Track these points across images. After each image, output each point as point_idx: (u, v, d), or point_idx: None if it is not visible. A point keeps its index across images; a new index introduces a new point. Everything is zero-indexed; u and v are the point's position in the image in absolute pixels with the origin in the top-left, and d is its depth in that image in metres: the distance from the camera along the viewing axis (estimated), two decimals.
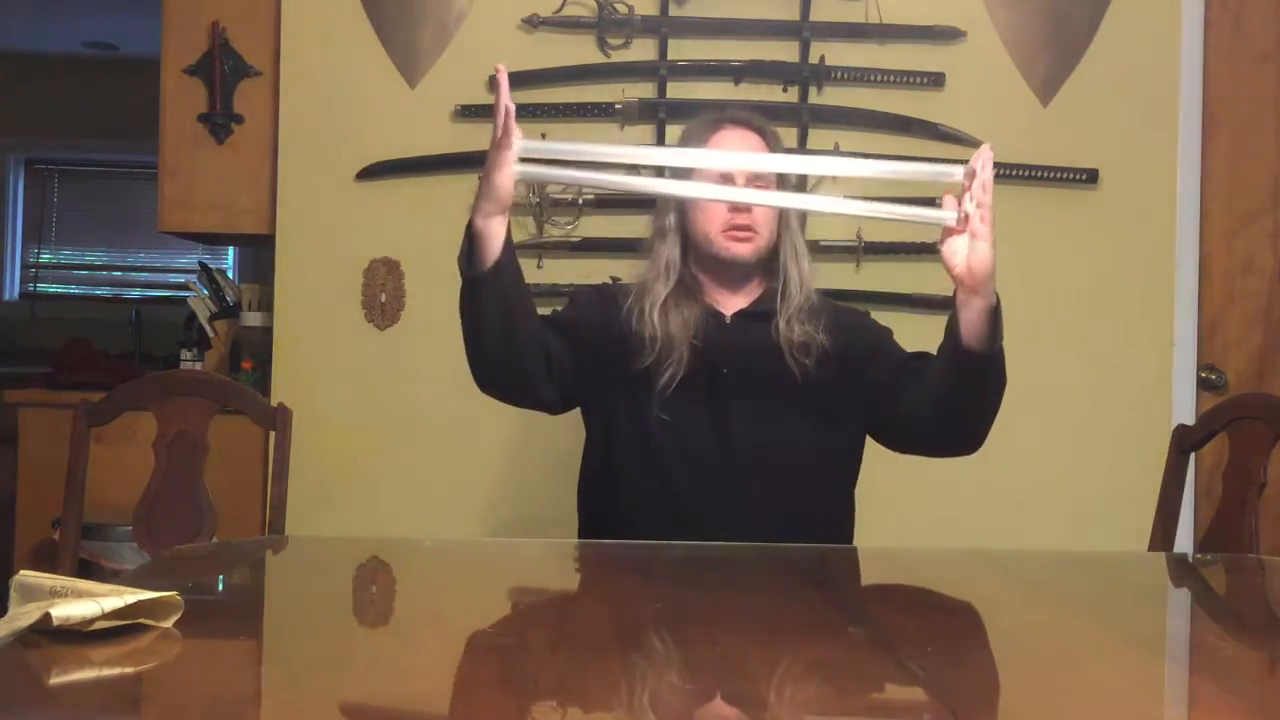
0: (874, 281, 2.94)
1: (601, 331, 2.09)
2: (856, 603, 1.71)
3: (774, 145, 2.14)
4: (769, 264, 2.12)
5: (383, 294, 2.97)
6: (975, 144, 2.96)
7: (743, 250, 2.07)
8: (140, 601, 1.21)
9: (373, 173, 2.97)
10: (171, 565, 1.80)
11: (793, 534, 1.97)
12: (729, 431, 2.05)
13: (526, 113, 2.96)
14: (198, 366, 3.34)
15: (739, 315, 2.11)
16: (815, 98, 2.98)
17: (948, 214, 1.83)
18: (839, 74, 2.96)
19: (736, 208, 2.06)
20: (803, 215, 2.25)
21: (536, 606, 1.61)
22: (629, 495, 2.08)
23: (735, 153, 2.07)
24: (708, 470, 2.05)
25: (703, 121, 2.18)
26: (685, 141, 2.20)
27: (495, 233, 1.91)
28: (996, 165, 2.93)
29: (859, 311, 2.27)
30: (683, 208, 2.12)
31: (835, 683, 1.26)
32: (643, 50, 2.99)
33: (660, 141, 2.95)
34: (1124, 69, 2.99)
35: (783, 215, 2.13)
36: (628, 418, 2.07)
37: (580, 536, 2.17)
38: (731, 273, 2.11)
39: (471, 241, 1.92)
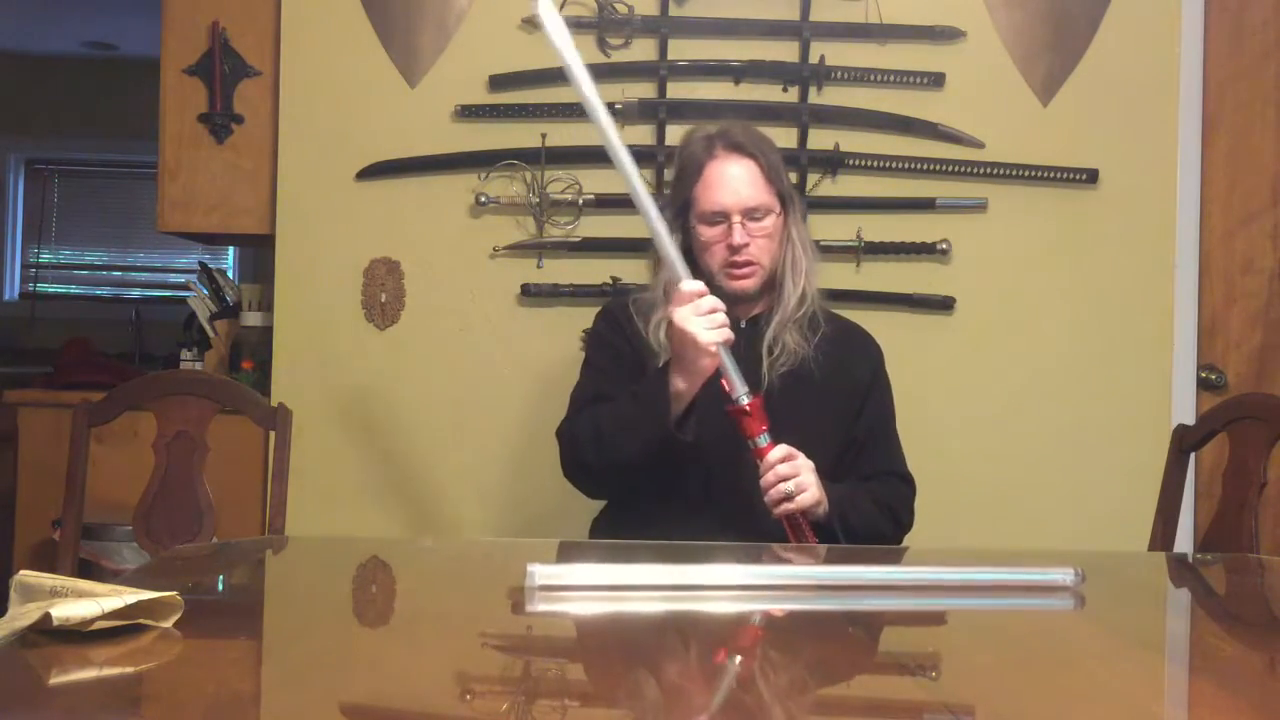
0: (874, 281, 2.94)
1: (624, 362, 2.18)
2: (856, 603, 1.71)
3: (766, 169, 2.15)
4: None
5: (383, 294, 2.97)
6: (975, 144, 2.98)
7: (745, 285, 2.15)
8: (140, 601, 1.21)
9: (373, 173, 2.96)
10: (171, 565, 1.80)
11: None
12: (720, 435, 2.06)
13: (526, 113, 2.97)
14: (198, 366, 3.34)
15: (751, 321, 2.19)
16: (815, 98, 2.98)
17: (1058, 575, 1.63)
18: (839, 74, 2.96)
19: (733, 246, 2.12)
20: (805, 213, 2.28)
21: (536, 606, 1.61)
22: (645, 511, 2.13)
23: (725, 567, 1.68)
24: (717, 475, 2.10)
25: (699, 144, 2.19)
26: (681, 164, 2.21)
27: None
28: (997, 165, 2.98)
29: (870, 345, 2.29)
30: (687, 235, 2.16)
31: (835, 683, 1.26)
32: (643, 50, 2.98)
33: (660, 141, 2.95)
34: (1124, 69, 2.98)
35: (786, 226, 2.17)
36: None
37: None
38: (738, 298, 2.15)
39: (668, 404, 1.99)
